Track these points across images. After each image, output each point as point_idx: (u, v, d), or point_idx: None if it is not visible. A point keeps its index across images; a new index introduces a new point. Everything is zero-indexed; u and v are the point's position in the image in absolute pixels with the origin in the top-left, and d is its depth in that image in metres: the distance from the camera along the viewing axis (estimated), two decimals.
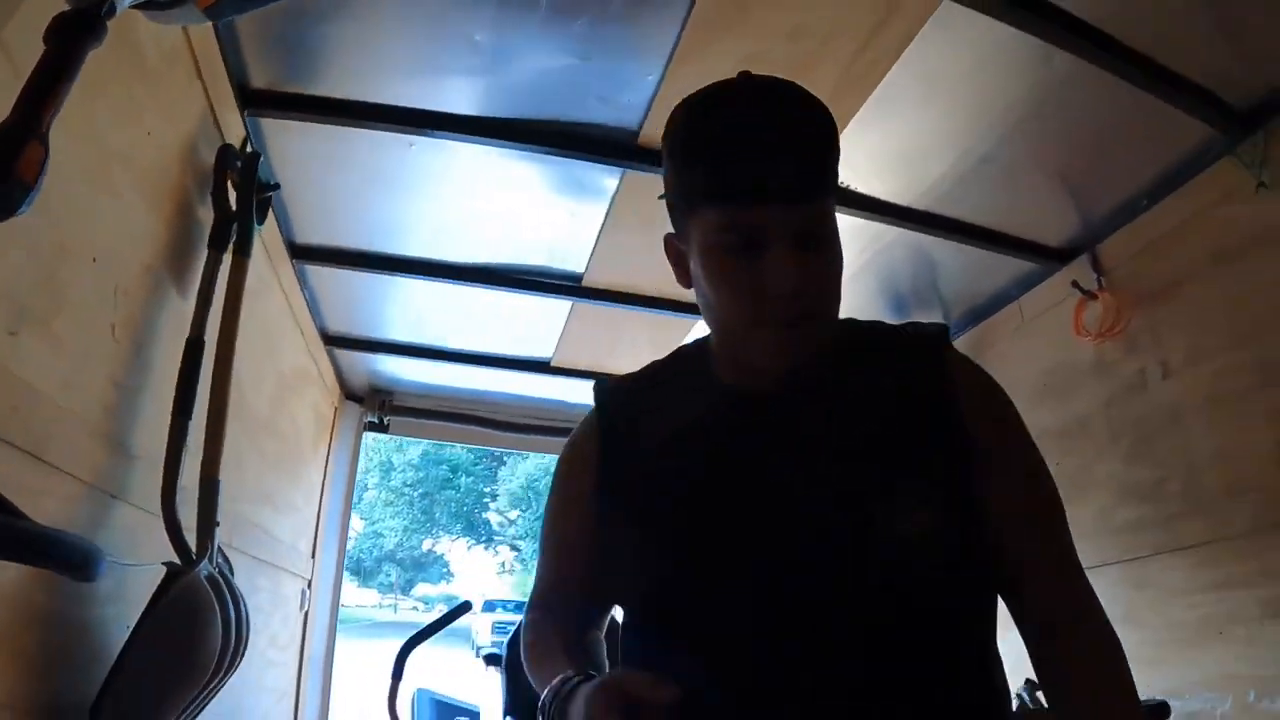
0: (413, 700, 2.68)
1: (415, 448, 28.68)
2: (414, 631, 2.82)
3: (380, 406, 3.74)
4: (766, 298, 0.86)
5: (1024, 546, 0.93)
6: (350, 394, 3.68)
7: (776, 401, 0.95)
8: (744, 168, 0.85)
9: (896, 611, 0.87)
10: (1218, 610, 1.86)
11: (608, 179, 2.16)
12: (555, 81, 1.82)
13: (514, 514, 30.25)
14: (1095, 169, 2.18)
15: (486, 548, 32.33)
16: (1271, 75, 1.83)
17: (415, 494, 29.41)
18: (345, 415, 3.63)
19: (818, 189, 0.88)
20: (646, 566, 0.97)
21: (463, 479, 29.84)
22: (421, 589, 34.32)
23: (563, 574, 1.09)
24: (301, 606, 2.92)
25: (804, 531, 0.89)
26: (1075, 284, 2.35)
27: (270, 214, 2.14)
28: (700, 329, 3.17)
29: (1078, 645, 0.89)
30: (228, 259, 1.65)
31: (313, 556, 3.07)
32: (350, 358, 3.36)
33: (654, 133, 1.96)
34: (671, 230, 0.98)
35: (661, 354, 3.42)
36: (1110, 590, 2.12)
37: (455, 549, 33.03)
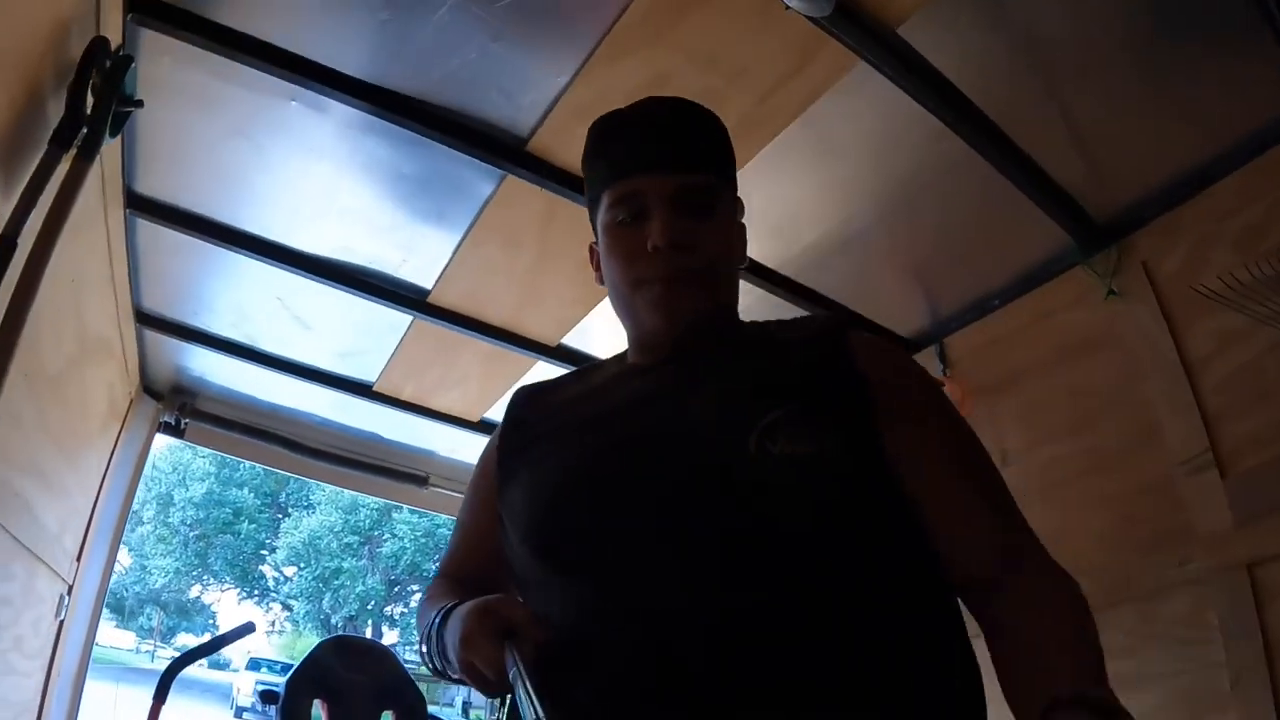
0: None
1: (199, 485, 26.55)
2: (185, 650, 2.52)
3: (180, 408, 3.31)
4: (647, 254, 0.96)
5: (936, 485, 0.88)
6: (149, 387, 3.25)
7: (668, 364, 1.01)
8: (627, 148, 1.01)
9: (772, 540, 0.82)
10: None
11: (485, 184, 2.04)
12: (458, 63, 1.70)
13: (291, 570, 28.40)
14: (956, 263, 2.27)
15: (258, 603, 30.04)
16: (1126, 195, 1.98)
17: (191, 535, 27.04)
18: (140, 410, 3.17)
19: (691, 160, 1.00)
20: (532, 508, 0.97)
21: (244, 525, 27.78)
22: (183, 638, 31.15)
23: (463, 554, 1.15)
24: (58, 614, 2.47)
25: (677, 462, 0.88)
26: None
27: (119, 147, 1.89)
28: (540, 371, 3.07)
29: (1019, 600, 0.84)
30: (66, 163, 1.42)
31: (78, 560, 2.63)
32: (159, 344, 2.97)
33: (544, 142, 1.90)
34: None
35: (489, 394, 3.30)
36: None
37: (225, 600, 30.52)
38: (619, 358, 1.14)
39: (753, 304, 2.41)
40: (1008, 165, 1.86)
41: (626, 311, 1.04)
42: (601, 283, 1.08)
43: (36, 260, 1.39)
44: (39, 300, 1.40)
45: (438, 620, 0.91)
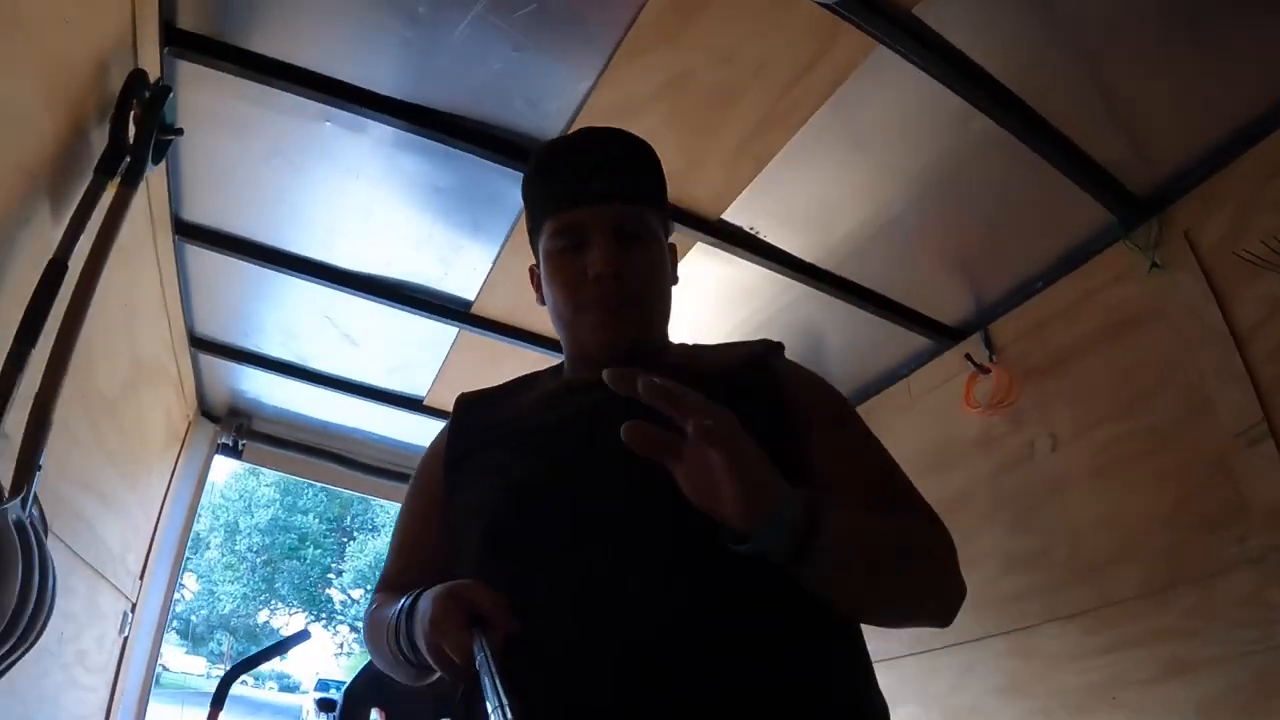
0: None
1: (264, 512, 27.17)
2: (241, 659, 2.59)
3: (237, 430, 3.44)
4: (588, 280, 1.04)
5: (855, 478, 0.97)
6: (207, 411, 3.38)
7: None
8: (568, 179, 1.08)
9: (704, 547, 0.84)
10: (1109, 675, 1.83)
11: (519, 192, 2.06)
12: (483, 75, 1.74)
13: (358, 593, 28.89)
14: (996, 246, 2.23)
15: (326, 626, 30.57)
16: (1165, 166, 1.93)
17: (258, 560, 27.69)
18: (198, 432, 3.30)
19: (630, 193, 1.08)
20: (487, 514, 0.99)
21: (310, 550, 28.34)
22: None
23: (403, 564, 1.16)
24: (122, 631, 2.56)
25: (631, 473, 0.88)
26: (968, 357, 2.39)
27: (165, 177, 1.97)
28: None
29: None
30: (112, 190, 1.49)
31: (141, 578, 2.73)
32: (214, 368, 3.08)
33: None
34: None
35: None
36: (995, 661, 2.10)
37: (293, 624, 31.09)
38: (554, 371, 1.22)
39: (798, 299, 2.42)
40: (1040, 143, 1.83)
41: (568, 332, 1.11)
42: (542, 303, 1.15)
43: (86, 283, 1.46)
44: (92, 324, 1.46)
45: (407, 604, 0.91)
